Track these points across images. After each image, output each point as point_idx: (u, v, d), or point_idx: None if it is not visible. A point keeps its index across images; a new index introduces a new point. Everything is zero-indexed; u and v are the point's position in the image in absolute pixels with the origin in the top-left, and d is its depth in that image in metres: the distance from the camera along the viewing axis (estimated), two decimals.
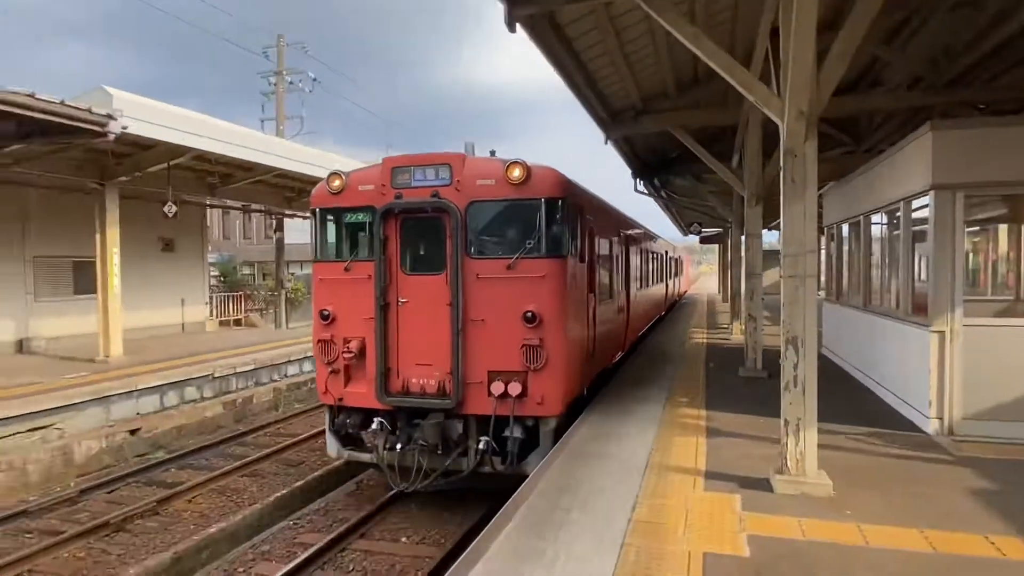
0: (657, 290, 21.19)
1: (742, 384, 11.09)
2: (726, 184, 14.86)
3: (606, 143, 13.71)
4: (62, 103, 10.24)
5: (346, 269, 8.23)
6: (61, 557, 7.58)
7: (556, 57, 9.43)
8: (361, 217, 8.40)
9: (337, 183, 8.27)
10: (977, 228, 12.72)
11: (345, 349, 8.16)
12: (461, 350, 7.63)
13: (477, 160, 7.97)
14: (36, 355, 16.40)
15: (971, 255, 11.82)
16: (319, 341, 8.36)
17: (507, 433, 7.59)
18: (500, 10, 7.18)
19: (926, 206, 7.74)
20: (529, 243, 7.63)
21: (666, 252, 24.53)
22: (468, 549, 4.72)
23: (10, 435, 10.28)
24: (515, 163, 7.51)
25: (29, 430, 10.58)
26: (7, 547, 7.74)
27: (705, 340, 17.74)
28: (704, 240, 42.37)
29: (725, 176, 13.44)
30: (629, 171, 18.17)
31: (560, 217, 7.81)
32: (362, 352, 8.16)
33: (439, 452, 7.83)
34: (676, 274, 32.32)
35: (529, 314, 7.37)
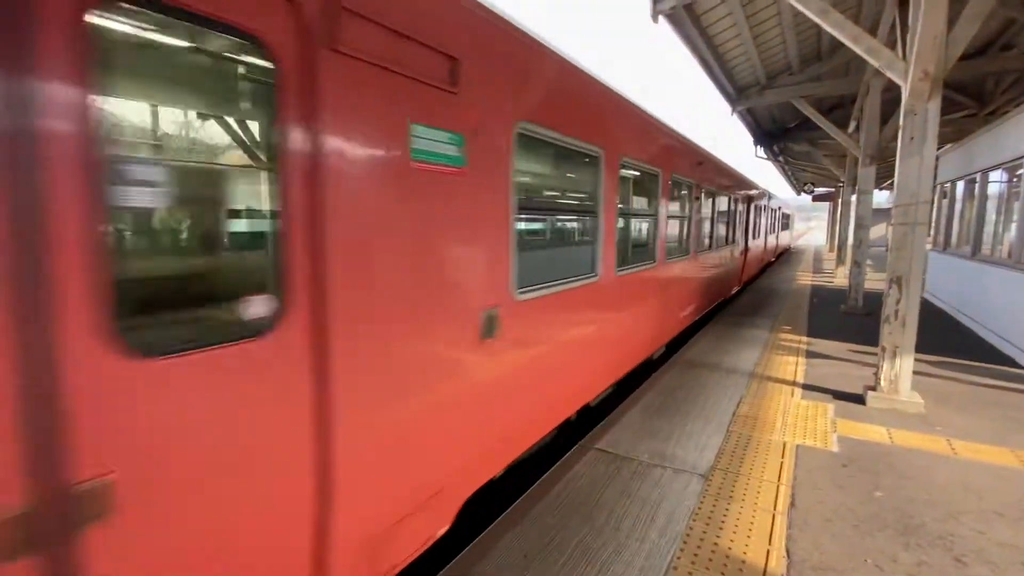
0: (768, 240, 18.95)
1: (842, 318, 9.81)
2: (840, 147, 12.89)
3: (732, 114, 12.35)
4: None
5: None
6: None
7: (692, 42, 8.56)
8: None
9: None
10: None
11: None
12: None
13: None
14: None
15: None
16: None
17: None
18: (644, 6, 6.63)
19: None
20: None
21: (764, 203, 15.95)
22: (602, 422, 4.67)
23: None
24: None
25: None
26: None
27: (810, 282, 15.85)
28: (816, 198, 37.60)
29: (842, 140, 11.57)
30: (751, 139, 16.31)
31: None
32: None
33: None
34: (785, 227, 28.85)
35: None
